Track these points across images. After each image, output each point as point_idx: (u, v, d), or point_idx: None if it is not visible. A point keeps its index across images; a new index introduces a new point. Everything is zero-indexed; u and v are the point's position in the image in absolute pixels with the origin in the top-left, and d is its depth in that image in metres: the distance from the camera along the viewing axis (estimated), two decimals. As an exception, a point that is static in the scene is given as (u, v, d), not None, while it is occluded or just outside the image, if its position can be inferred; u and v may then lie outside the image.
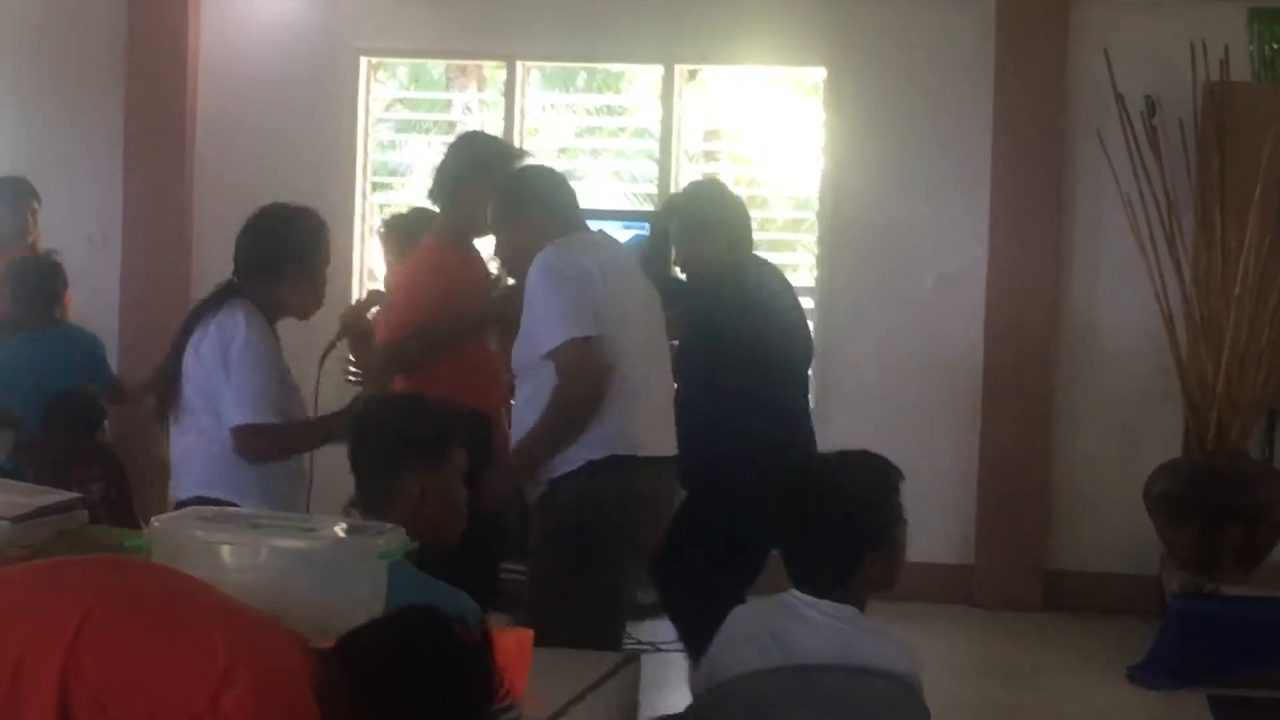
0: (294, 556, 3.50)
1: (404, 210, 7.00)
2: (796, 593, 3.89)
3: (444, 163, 6.16)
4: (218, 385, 5.25)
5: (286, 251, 5.36)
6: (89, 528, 4.44)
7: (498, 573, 5.98)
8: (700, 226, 6.61)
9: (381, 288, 6.85)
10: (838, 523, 3.84)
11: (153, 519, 3.71)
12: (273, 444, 5.34)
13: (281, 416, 5.30)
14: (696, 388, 6.11)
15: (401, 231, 6.93)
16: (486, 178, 5.81)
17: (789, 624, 3.85)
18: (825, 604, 3.84)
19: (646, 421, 5.29)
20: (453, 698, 2.99)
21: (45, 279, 7.84)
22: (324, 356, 5.83)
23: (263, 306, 5.35)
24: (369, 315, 6.52)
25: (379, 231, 7.02)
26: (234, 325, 5.30)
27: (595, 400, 5.13)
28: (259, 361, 5.30)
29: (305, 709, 2.90)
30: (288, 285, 5.36)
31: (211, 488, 5.21)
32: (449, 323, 5.86)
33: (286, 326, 5.37)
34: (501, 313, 5.84)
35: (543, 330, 5.13)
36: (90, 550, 4.00)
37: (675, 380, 5.64)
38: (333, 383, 5.97)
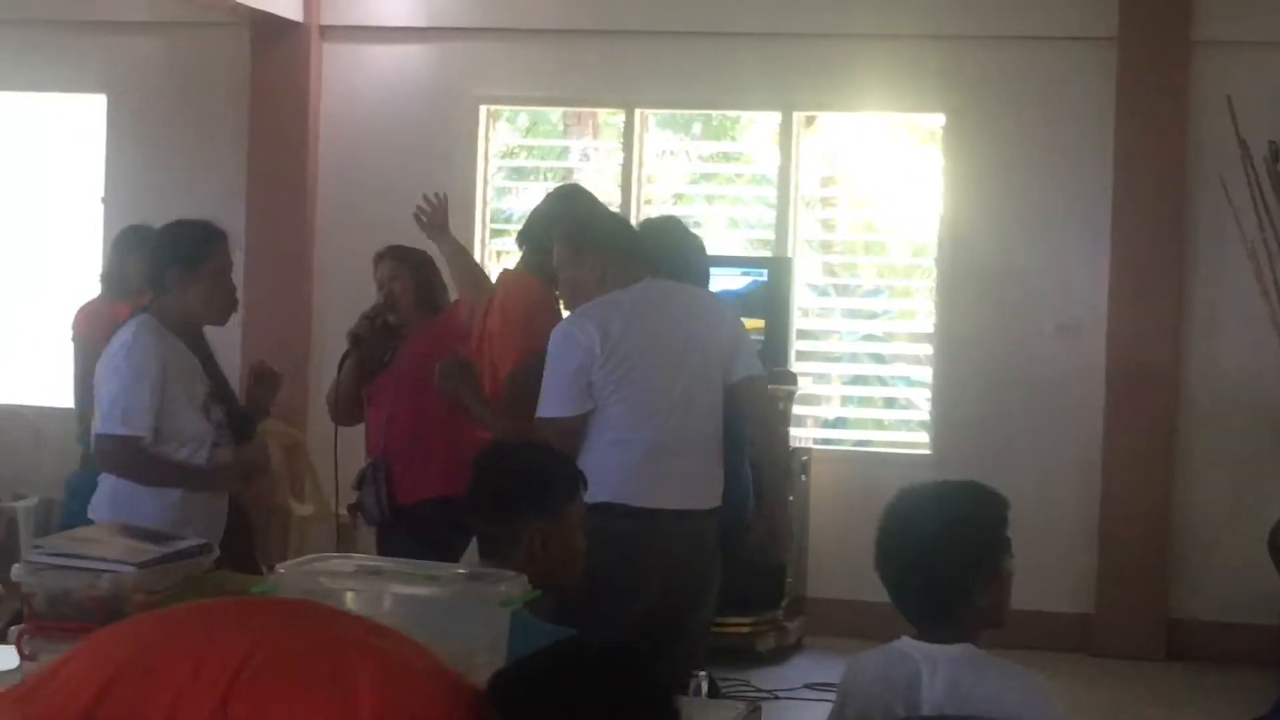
0: (417, 603, 3.52)
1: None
2: (909, 640, 3.83)
3: (538, 209, 6.46)
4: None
5: (165, 261, 5.54)
6: (215, 574, 4.46)
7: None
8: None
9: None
10: (946, 550, 3.76)
11: (277, 566, 3.75)
12: (130, 465, 5.35)
13: (151, 433, 5.33)
14: None
15: (408, 262, 7.02)
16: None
17: (904, 676, 3.78)
18: (936, 648, 3.77)
19: (646, 473, 5.36)
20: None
21: None
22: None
23: (172, 321, 5.49)
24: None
25: (386, 255, 7.06)
26: (119, 336, 5.43)
27: None
28: (135, 369, 5.35)
29: None
30: (178, 293, 5.51)
31: (116, 517, 5.14)
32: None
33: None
34: None
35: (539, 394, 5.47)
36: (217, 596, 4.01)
37: None
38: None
